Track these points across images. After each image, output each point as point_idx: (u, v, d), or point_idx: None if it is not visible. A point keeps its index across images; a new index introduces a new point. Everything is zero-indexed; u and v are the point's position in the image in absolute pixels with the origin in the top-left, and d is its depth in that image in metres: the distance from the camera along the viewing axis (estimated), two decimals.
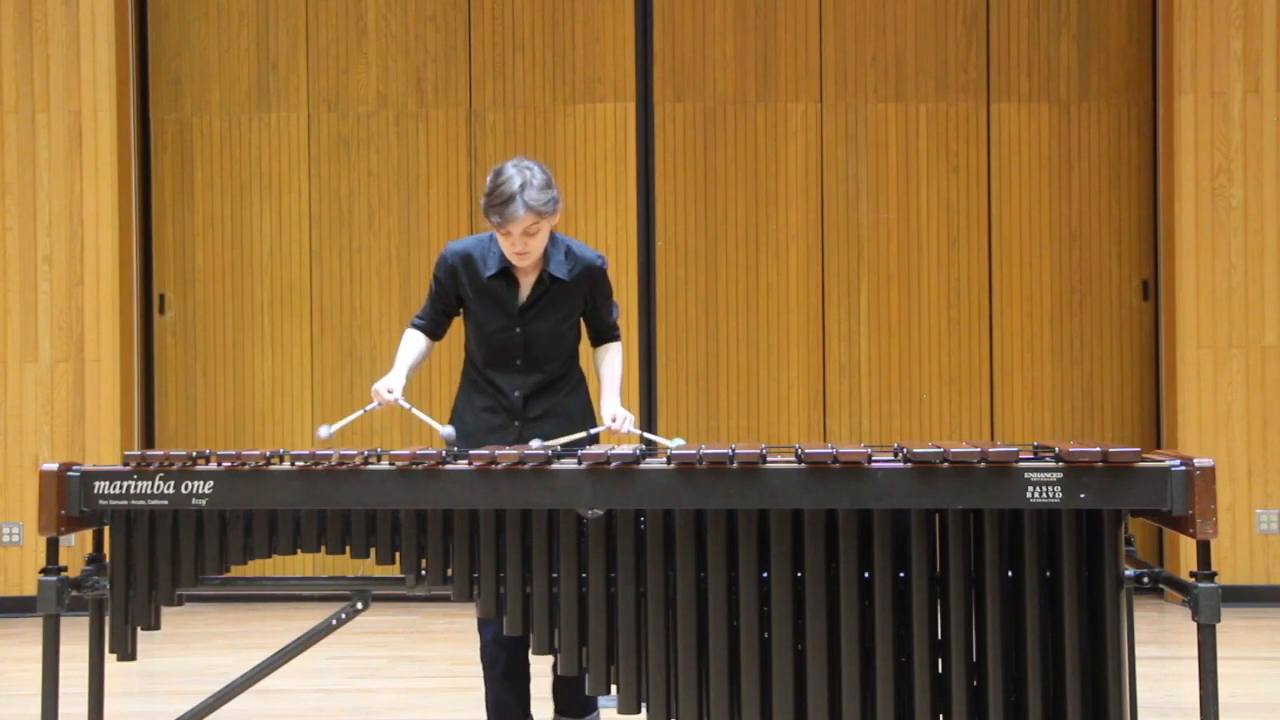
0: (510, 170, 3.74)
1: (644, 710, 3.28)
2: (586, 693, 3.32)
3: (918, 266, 6.77)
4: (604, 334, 4.07)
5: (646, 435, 3.98)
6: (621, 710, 3.31)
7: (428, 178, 6.83)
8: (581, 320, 4.02)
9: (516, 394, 3.88)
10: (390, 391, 3.80)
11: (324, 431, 3.75)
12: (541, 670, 4.01)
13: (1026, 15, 6.78)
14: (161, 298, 6.90)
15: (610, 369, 4.04)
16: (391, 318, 6.80)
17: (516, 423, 3.87)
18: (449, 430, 3.75)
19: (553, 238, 3.88)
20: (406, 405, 3.83)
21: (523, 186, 3.69)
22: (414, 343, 4.01)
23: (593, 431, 3.89)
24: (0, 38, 6.58)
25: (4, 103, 6.58)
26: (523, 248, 3.76)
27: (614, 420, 3.84)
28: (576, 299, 3.92)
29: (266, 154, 6.89)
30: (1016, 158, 6.78)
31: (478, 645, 3.98)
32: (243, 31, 6.89)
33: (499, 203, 3.70)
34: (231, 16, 6.90)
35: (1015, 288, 6.76)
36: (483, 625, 3.86)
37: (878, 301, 6.76)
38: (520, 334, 3.87)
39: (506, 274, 3.86)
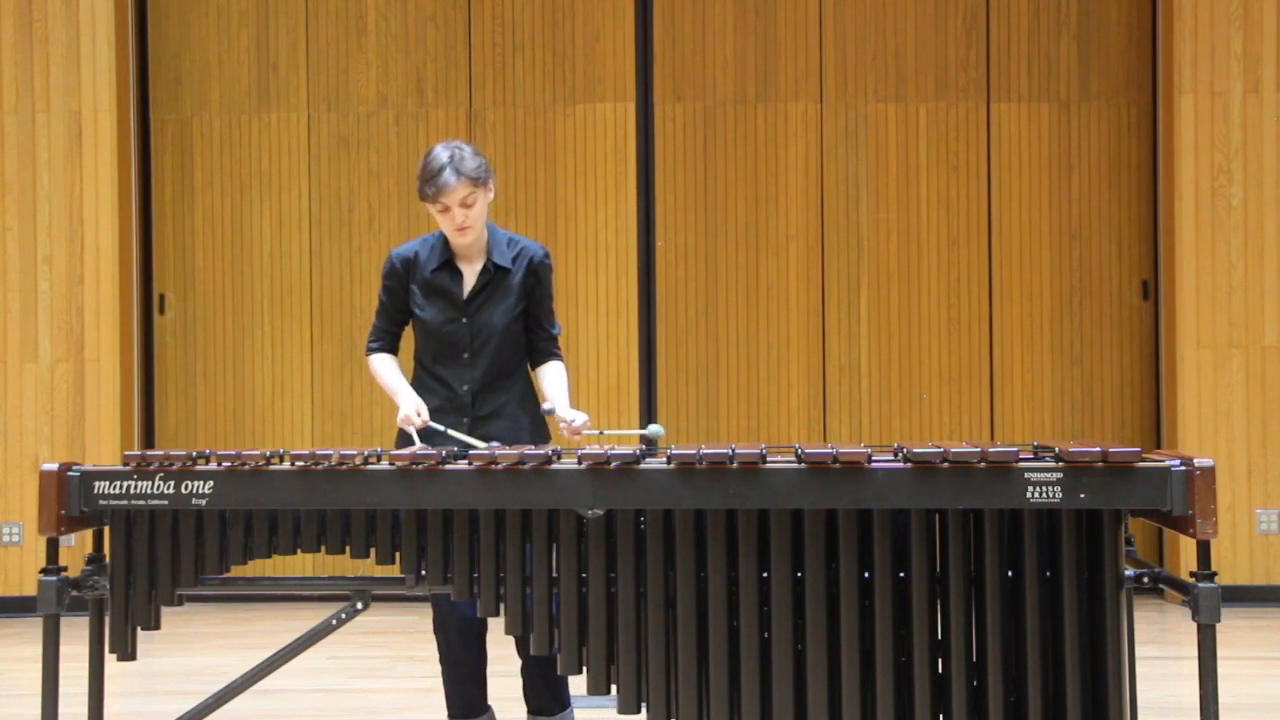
0: (438, 149, 3.84)
1: (644, 710, 3.28)
2: (588, 692, 3.33)
3: (918, 266, 6.77)
4: (544, 349, 4.02)
5: (608, 432, 4.15)
6: (621, 710, 3.31)
7: None
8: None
9: (465, 389, 3.90)
10: (419, 414, 3.81)
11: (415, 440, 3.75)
12: (511, 670, 4.00)
13: (1026, 15, 6.78)
14: (161, 298, 6.90)
15: (555, 381, 3.97)
16: None
17: (466, 419, 3.88)
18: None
19: (494, 231, 3.96)
20: (442, 428, 3.81)
21: (452, 158, 3.79)
22: (391, 364, 4.01)
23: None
24: (0, 38, 6.58)
25: (4, 103, 6.58)
26: (463, 220, 3.81)
27: (573, 421, 3.82)
28: (520, 289, 3.94)
29: (266, 154, 6.89)
30: (1016, 158, 6.78)
31: None
32: (243, 31, 6.89)
33: (431, 176, 3.79)
34: (231, 16, 6.90)
35: (1015, 288, 6.76)
36: (441, 626, 3.90)
37: (878, 301, 6.76)
38: (467, 324, 3.91)
39: (450, 266, 3.93)
